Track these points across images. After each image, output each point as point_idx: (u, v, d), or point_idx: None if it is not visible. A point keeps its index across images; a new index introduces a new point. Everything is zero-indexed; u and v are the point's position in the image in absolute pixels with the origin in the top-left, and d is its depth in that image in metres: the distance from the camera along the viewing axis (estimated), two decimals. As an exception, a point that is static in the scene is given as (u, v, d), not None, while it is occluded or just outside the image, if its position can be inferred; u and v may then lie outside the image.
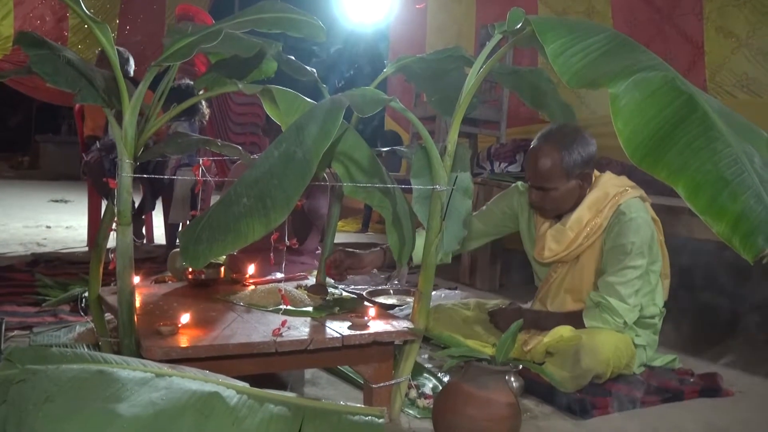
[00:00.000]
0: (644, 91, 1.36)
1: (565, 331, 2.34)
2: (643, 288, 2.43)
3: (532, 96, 2.26)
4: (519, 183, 2.70)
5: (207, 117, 4.78)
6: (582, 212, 2.42)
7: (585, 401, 2.19)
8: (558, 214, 2.50)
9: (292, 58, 2.20)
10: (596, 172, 2.51)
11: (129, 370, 1.41)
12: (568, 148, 2.36)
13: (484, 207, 2.82)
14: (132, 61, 4.83)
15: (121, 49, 4.88)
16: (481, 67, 1.88)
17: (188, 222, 4.61)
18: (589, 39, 1.50)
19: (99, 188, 4.71)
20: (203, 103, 4.64)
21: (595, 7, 5.17)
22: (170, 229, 4.64)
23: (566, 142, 2.37)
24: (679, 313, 2.59)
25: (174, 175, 4.42)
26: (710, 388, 2.41)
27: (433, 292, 2.05)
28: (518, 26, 1.73)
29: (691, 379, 2.46)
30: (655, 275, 2.48)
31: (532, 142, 2.48)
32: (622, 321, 2.35)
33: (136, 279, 2.04)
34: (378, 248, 2.54)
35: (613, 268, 2.37)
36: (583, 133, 2.40)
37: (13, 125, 16.90)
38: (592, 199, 2.43)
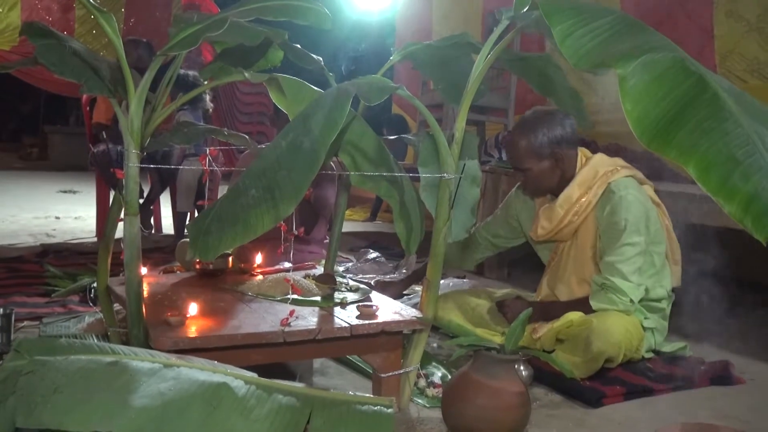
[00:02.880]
0: (653, 71, 1.34)
1: (574, 316, 2.34)
2: (646, 269, 2.44)
3: (540, 82, 2.24)
4: (517, 185, 2.79)
5: (210, 110, 4.77)
6: (572, 190, 2.49)
7: (595, 389, 2.18)
8: (543, 192, 2.59)
9: (298, 46, 2.18)
10: (588, 153, 2.57)
11: (137, 360, 1.40)
12: (534, 131, 2.46)
13: (489, 218, 2.92)
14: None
15: (145, 40, 4.88)
16: (489, 54, 1.86)
17: (195, 211, 4.63)
18: (597, 21, 1.48)
19: (106, 179, 4.71)
20: (207, 95, 4.63)
21: (604, -9, 5.12)
22: (178, 218, 4.64)
23: (532, 125, 2.48)
24: (688, 299, 2.57)
25: (180, 164, 4.42)
26: (721, 375, 2.40)
27: (441, 281, 2.05)
28: (525, 10, 1.71)
29: (702, 367, 2.45)
30: (659, 257, 2.49)
31: None
32: (628, 299, 2.36)
33: (144, 270, 2.04)
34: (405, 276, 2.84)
35: (612, 248, 2.39)
36: (554, 115, 2.49)
37: (22, 116, 16.93)
38: (581, 177, 2.49)
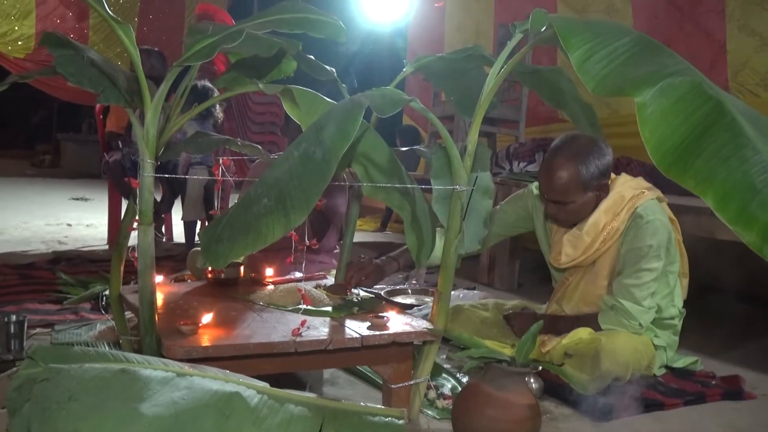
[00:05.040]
0: (671, 97, 1.33)
1: (584, 333, 2.33)
2: (660, 290, 2.41)
3: (552, 95, 2.24)
4: (533, 184, 2.66)
5: (220, 121, 4.79)
6: (599, 217, 2.38)
7: (605, 403, 2.18)
8: (575, 223, 2.45)
9: (312, 57, 2.20)
10: (612, 175, 2.46)
11: (151, 369, 1.41)
12: (585, 162, 2.30)
13: (498, 206, 2.79)
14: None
15: (157, 49, 4.92)
16: (502, 67, 1.87)
17: (203, 220, 4.65)
18: (614, 43, 1.47)
19: (120, 188, 4.74)
20: (218, 107, 4.65)
21: (615, 5, 5.13)
22: (188, 227, 4.67)
23: (582, 155, 2.31)
24: (700, 314, 2.57)
25: (185, 173, 4.44)
26: (732, 390, 2.39)
27: (452, 292, 2.04)
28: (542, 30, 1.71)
29: (713, 382, 2.44)
30: (673, 276, 2.46)
31: (546, 155, 2.42)
32: (637, 323, 2.33)
33: (158, 278, 2.05)
34: (392, 255, 2.53)
35: (629, 270, 2.34)
36: (598, 144, 2.33)
37: (35, 123, 17.06)
38: (608, 203, 2.38)
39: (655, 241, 2.32)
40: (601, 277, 2.45)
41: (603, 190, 2.38)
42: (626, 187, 2.41)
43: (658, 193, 2.44)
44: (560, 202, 2.37)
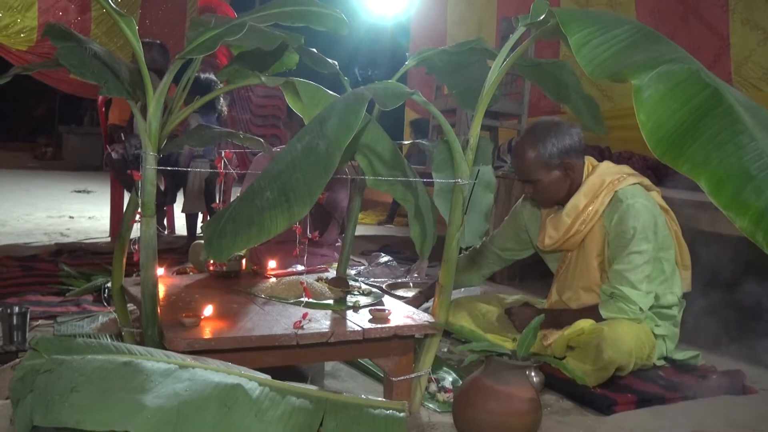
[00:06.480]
0: (668, 83, 1.34)
1: (585, 323, 2.34)
2: (656, 276, 2.44)
3: (554, 89, 2.24)
4: (522, 197, 2.79)
5: (224, 115, 4.78)
6: (578, 199, 2.47)
7: (606, 397, 2.18)
8: (552, 203, 2.56)
9: (314, 50, 2.20)
10: (594, 161, 2.56)
11: (153, 361, 1.42)
12: (543, 141, 2.43)
13: (496, 231, 2.91)
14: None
15: (159, 42, 4.91)
16: (504, 60, 1.87)
17: (204, 212, 4.65)
18: (614, 30, 1.49)
19: (122, 180, 4.74)
20: (222, 102, 4.64)
21: (619, -2, 5.12)
22: (190, 219, 4.67)
23: (541, 135, 2.45)
24: (701, 308, 2.57)
25: (188, 166, 4.44)
26: (733, 385, 2.38)
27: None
28: (541, 18, 1.71)
29: (714, 376, 2.44)
30: (669, 263, 2.49)
31: None
32: (638, 307, 2.35)
33: (159, 270, 2.06)
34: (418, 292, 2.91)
35: (620, 257, 2.39)
36: (561, 125, 2.47)
37: (37, 116, 17.05)
38: (588, 186, 2.47)
39: (639, 223, 2.37)
40: (592, 257, 2.50)
41: (569, 169, 2.47)
42: (607, 172, 2.50)
43: (642, 179, 2.51)
44: (528, 181, 2.51)
